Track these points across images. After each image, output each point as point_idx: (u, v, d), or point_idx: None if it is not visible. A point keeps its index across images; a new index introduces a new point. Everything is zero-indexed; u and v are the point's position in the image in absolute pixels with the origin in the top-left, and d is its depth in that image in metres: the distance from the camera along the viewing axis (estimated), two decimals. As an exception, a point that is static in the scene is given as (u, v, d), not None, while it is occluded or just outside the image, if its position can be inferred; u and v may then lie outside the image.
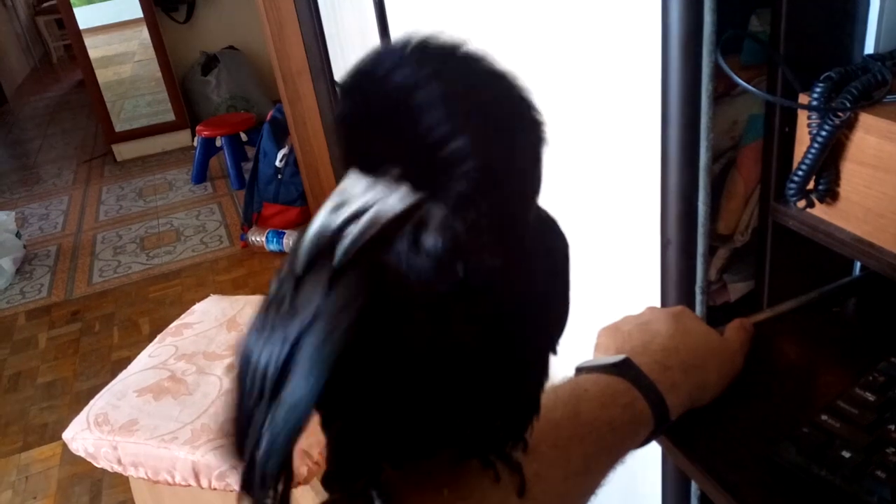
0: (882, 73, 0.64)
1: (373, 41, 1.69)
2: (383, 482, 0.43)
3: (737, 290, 0.85)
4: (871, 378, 0.60)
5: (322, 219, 0.34)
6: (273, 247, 3.28)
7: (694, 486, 0.88)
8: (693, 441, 0.60)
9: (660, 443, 0.61)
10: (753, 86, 0.69)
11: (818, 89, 0.65)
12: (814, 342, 0.71)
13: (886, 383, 0.59)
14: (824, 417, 0.57)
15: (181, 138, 4.93)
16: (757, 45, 0.71)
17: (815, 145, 0.66)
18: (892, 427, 0.55)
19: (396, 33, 1.56)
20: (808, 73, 0.68)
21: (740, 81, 0.68)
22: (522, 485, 0.45)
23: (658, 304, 0.85)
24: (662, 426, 0.56)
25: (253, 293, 2.80)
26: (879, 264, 0.64)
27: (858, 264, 0.80)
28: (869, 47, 0.70)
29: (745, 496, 0.55)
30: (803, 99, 0.68)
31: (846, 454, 0.53)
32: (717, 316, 0.83)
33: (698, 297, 0.81)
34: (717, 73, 0.69)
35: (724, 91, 0.72)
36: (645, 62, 0.75)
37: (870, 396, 0.58)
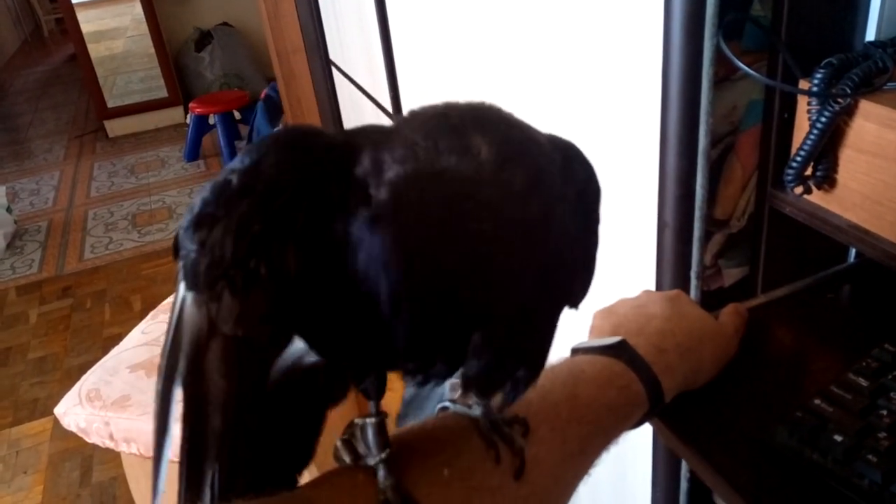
0: (883, 60, 0.64)
1: (369, 19, 1.68)
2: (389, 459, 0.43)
3: (731, 275, 0.85)
4: (864, 364, 0.60)
5: None
6: (266, 226, 3.27)
7: (684, 469, 0.89)
8: (686, 423, 0.61)
9: (652, 424, 0.61)
10: (753, 71, 0.69)
11: (819, 75, 0.65)
12: (808, 328, 0.71)
13: (879, 369, 0.59)
14: (817, 402, 0.57)
15: (174, 115, 4.89)
16: (758, 30, 0.71)
17: (815, 131, 0.66)
18: (885, 412, 0.56)
19: (393, 10, 1.55)
20: (808, 59, 0.68)
21: (741, 65, 0.68)
22: (521, 468, 0.45)
23: (653, 287, 0.85)
24: (657, 408, 0.56)
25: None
26: (875, 251, 0.65)
27: (853, 251, 0.80)
28: (870, 34, 0.69)
29: (736, 478, 0.55)
30: (804, 84, 0.68)
31: (838, 438, 0.54)
32: (711, 301, 0.83)
33: (693, 282, 0.81)
34: (718, 57, 0.69)
35: (724, 75, 0.72)
36: (646, 45, 0.75)
37: (863, 382, 0.58)
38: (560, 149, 0.41)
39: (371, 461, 0.43)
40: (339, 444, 0.46)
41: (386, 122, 1.72)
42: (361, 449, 0.44)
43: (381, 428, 0.44)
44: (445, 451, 0.45)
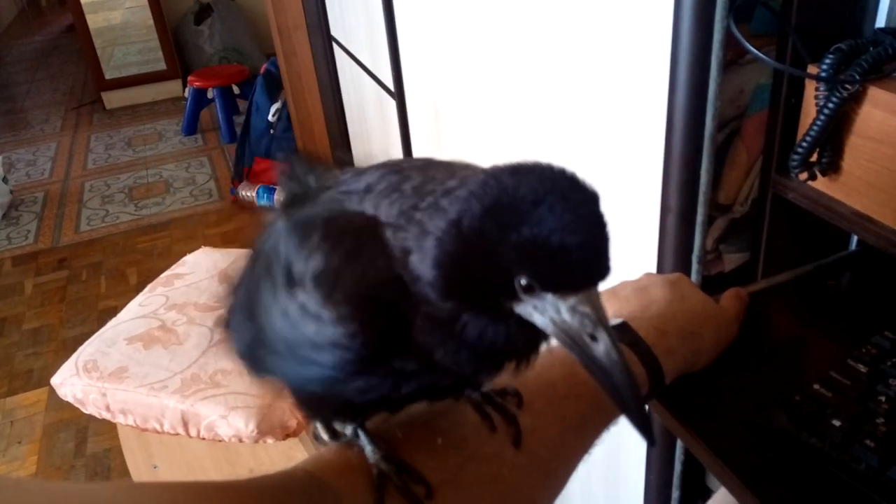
0: (893, 46, 0.63)
1: (373, -4, 1.67)
2: (374, 431, 0.44)
3: (732, 260, 0.85)
4: (863, 350, 0.61)
5: None
6: (263, 202, 3.26)
7: (678, 451, 0.90)
8: (685, 406, 0.61)
9: (651, 406, 0.62)
10: (763, 55, 0.69)
11: (828, 60, 0.65)
12: (808, 314, 0.71)
13: (878, 356, 0.60)
14: (816, 387, 0.58)
15: (172, 88, 4.86)
16: (768, 14, 0.71)
17: (822, 117, 0.65)
18: (883, 398, 0.56)
19: (398, -12, 1.54)
20: (818, 45, 0.67)
21: (752, 49, 0.67)
22: (518, 435, 0.46)
23: (655, 270, 0.85)
24: (657, 390, 0.57)
25: (243, 248, 2.79)
26: (877, 239, 0.65)
27: (855, 238, 0.80)
28: (881, 20, 0.69)
29: (734, 461, 0.56)
30: (812, 70, 0.67)
31: (836, 423, 0.54)
32: (711, 286, 0.83)
33: (695, 266, 0.81)
34: (727, 40, 0.69)
35: (732, 59, 0.72)
36: (656, 27, 0.74)
37: (862, 368, 0.59)
38: None
39: (348, 432, 0.44)
40: (317, 424, 0.46)
41: (387, 101, 1.68)
42: (338, 426, 0.45)
43: None
44: (440, 424, 0.46)
